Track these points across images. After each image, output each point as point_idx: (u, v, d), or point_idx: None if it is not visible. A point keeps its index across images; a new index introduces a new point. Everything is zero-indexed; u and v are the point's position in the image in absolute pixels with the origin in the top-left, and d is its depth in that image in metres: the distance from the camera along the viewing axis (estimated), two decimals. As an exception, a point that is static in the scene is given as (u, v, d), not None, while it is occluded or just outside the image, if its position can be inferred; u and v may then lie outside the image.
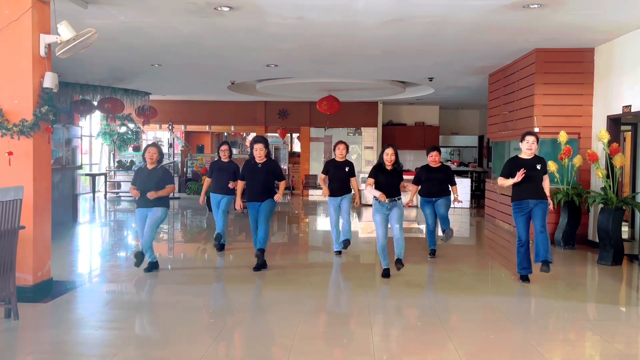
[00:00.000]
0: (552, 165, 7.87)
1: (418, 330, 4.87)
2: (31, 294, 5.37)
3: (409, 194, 7.71)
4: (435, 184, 7.61)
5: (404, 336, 4.76)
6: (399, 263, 6.45)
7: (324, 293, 6.04)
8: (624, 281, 6.76)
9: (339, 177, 7.69)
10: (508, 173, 6.30)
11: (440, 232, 7.87)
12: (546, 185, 6.36)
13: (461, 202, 7.91)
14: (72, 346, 4.41)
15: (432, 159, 7.67)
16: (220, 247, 8.03)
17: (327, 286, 6.38)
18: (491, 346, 4.42)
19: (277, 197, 6.76)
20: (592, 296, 6.30)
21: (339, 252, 7.85)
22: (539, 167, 6.26)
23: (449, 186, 7.70)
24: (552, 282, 6.42)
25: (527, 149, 6.23)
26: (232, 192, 7.94)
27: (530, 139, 6.24)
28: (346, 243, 7.79)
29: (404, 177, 6.67)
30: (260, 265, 6.79)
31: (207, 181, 8.17)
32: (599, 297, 6.18)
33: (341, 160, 7.75)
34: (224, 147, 8.13)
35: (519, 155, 6.35)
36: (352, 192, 7.80)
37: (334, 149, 7.86)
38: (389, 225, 6.50)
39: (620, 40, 8.00)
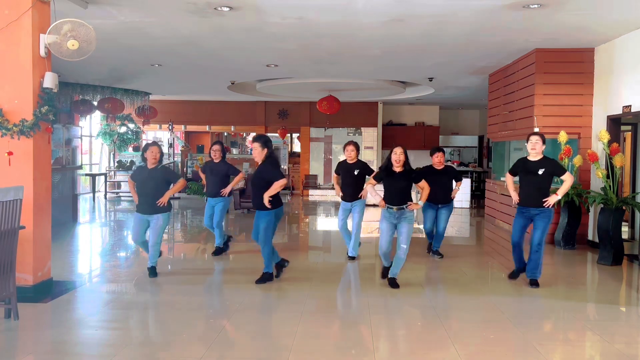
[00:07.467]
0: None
1: (418, 330, 4.87)
2: (31, 294, 5.38)
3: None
4: (440, 189, 7.33)
5: (404, 336, 4.76)
6: (393, 283, 6.02)
7: (324, 293, 6.04)
8: (624, 281, 6.75)
9: (350, 182, 7.26)
10: (514, 172, 6.30)
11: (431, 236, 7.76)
12: (563, 187, 6.05)
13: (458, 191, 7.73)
14: (72, 346, 4.41)
15: (438, 160, 7.47)
16: (217, 252, 7.82)
17: (327, 286, 6.37)
18: (491, 346, 4.41)
19: (265, 200, 5.93)
20: (592, 296, 6.30)
21: (353, 258, 7.49)
22: (540, 172, 5.98)
23: (454, 183, 7.56)
24: (552, 282, 6.42)
25: (530, 148, 6.05)
26: (228, 194, 7.72)
27: (533, 138, 6.05)
28: (351, 259, 7.46)
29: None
30: (280, 266, 6.50)
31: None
32: (599, 297, 6.18)
33: (352, 162, 7.29)
34: (216, 147, 7.77)
35: (528, 157, 6.17)
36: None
37: (344, 150, 7.37)
38: (396, 238, 6.01)
39: (620, 40, 8.00)
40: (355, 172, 7.25)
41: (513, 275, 6.45)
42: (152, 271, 6.50)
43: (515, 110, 9.92)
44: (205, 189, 7.94)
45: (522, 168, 6.14)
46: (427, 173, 7.32)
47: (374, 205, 13.73)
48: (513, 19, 6.95)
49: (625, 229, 8.35)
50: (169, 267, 7.29)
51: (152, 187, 6.30)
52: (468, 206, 14.17)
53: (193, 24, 7.38)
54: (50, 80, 5.43)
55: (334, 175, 7.53)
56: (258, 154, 6.05)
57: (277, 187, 5.98)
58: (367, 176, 7.26)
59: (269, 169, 6.08)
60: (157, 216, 6.33)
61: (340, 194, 7.35)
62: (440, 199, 7.41)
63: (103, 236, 10.35)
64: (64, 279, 6.29)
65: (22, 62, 5.34)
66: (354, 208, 7.33)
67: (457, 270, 7.06)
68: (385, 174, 5.97)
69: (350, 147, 7.27)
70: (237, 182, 7.91)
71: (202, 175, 7.99)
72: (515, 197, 6.16)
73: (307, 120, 17.84)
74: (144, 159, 6.39)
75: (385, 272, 6.30)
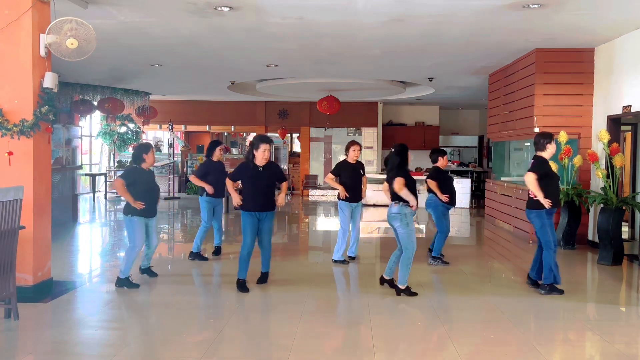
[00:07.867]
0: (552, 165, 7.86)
1: (418, 331, 4.87)
2: (31, 294, 5.38)
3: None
4: (453, 190, 7.29)
5: (404, 336, 4.75)
6: (392, 284, 5.94)
7: (324, 293, 6.04)
8: (624, 281, 6.75)
9: (356, 182, 7.14)
10: (541, 174, 5.75)
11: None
12: None
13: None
14: (72, 346, 4.41)
15: (447, 162, 7.41)
16: (217, 251, 7.81)
17: (327, 286, 6.37)
18: (491, 346, 4.42)
19: (280, 201, 6.04)
20: (592, 296, 6.30)
21: (342, 261, 7.26)
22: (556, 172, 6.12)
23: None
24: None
25: (555, 150, 5.95)
26: (224, 193, 7.55)
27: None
28: (351, 259, 7.40)
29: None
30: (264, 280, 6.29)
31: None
32: (599, 297, 6.18)
33: (354, 162, 7.21)
34: (222, 146, 7.77)
35: (546, 159, 5.92)
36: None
37: (347, 150, 7.24)
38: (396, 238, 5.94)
39: (620, 40, 8.00)
40: (362, 172, 7.24)
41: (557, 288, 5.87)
42: (151, 271, 6.51)
43: (515, 110, 9.92)
44: (209, 192, 7.41)
45: (548, 170, 5.88)
46: (441, 175, 7.26)
47: (374, 205, 13.74)
48: (513, 19, 6.95)
49: (625, 229, 8.35)
50: (168, 267, 7.29)
51: (152, 189, 6.19)
52: (468, 206, 14.17)
53: (193, 24, 7.38)
54: (50, 80, 5.43)
55: (329, 176, 7.23)
56: (269, 155, 5.96)
57: (286, 186, 6.29)
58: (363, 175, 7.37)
59: (279, 169, 6.26)
60: (155, 218, 6.28)
61: (346, 194, 7.07)
62: (455, 200, 7.35)
63: (103, 236, 10.34)
64: (64, 279, 6.29)
65: (22, 62, 5.34)
66: (357, 209, 7.27)
67: (457, 270, 7.06)
68: (407, 174, 5.75)
69: (357, 147, 7.20)
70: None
71: (198, 181, 7.38)
72: (547, 201, 5.70)
73: (307, 120, 17.85)
74: (142, 160, 6.05)
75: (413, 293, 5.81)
